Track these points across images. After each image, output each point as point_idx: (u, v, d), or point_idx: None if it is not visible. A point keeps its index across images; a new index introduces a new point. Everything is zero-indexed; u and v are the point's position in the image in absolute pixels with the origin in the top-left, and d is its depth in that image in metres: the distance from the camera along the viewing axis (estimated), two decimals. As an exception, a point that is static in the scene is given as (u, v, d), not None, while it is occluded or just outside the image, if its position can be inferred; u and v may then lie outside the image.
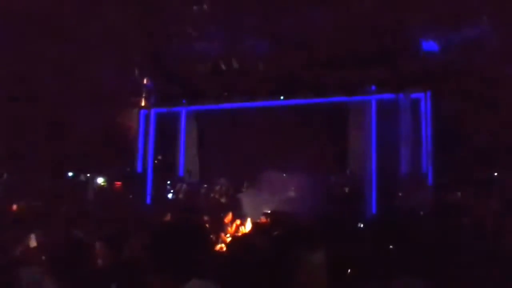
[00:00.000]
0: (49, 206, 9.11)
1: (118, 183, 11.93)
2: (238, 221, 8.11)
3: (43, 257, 4.07)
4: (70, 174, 12.41)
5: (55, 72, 10.68)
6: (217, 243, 6.72)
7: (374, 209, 10.19)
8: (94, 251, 4.05)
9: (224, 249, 5.77)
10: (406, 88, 10.47)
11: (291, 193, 8.87)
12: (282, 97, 11.52)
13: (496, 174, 9.48)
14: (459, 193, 8.59)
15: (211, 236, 6.36)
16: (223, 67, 11.50)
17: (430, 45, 10.08)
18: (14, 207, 8.60)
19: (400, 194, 8.96)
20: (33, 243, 4.57)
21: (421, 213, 7.24)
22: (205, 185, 11.76)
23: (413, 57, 9.90)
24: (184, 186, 11.71)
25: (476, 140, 8.91)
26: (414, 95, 10.56)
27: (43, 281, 3.48)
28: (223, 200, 10.99)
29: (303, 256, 3.67)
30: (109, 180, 12.22)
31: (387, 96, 10.71)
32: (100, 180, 12.50)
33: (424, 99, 10.49)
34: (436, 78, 9.84)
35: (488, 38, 8.46)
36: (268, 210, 7.55)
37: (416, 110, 10.45)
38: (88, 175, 12.47)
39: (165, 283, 2.63)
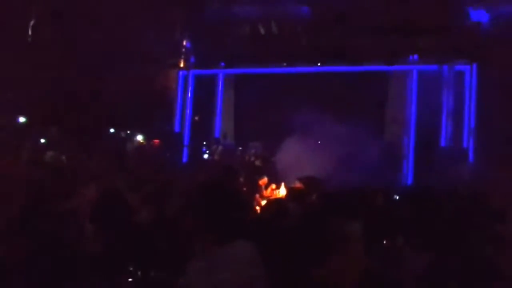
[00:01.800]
0: (92, 161, 9.52)
1: (156, 141, 12.26)
2: (273, 185, 8.24)
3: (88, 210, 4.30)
4: (111, 130, 12.81)
5: (96, 31, 10.90)
6: (252, 205, 6.88)
7: (410, 181, 10.13)
8: (134, 206, 4.21)
9: (259, 211, 5.90)
10: (451, 59, 10.13)
11: (327, 160, 8.88)
12: (319, 64, 11.39)
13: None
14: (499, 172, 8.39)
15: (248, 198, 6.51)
16: (262, 31, 11.43)
17: (479, 14, 9.67)
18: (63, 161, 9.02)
19: (437, 168, 8.84)
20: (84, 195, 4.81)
21: (458, 189, 7.15)
22: (240, 148, 11.93)
23: (460, 27, 9.54)
24: (220, 147, 11.91)
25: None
26: (458, 67, 10.22)
27: (88, 233, 3.70)
28: (257, 163, 11.15)
29: (338, 223, 3.76)
30: (147, 138, 12.57)
31: (429, 67, 10.41)
32: (139, 138, 12.87)
33: (469, 71, 10.13)
34: (484, 50, 9.46)
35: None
36: (303, 176, 7.58)
37: (460, 83, 10.14)
38: (128, 132, 12.85)
39: (207, 243, 2.77)
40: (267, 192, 8.14)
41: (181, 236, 3.37)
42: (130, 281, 3.31)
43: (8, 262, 3.06)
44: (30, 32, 11.59)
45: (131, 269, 3.48)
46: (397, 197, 5.92)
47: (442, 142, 9.95)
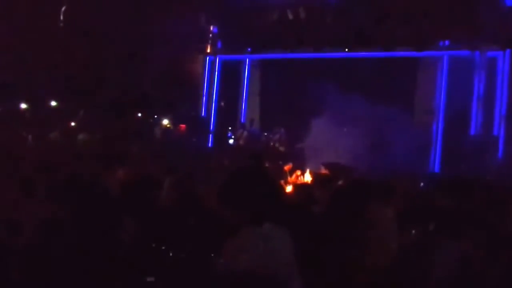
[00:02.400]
0: (120, 143, 9.74)
1: (183, 126, 12.41)
2: (298, 172, 8.27)
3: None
4: (139, 114, 13.03)
5: (124, 17, 11.04)
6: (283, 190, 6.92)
7: (437, 168, 9.99)
8: (163, 188, 4.29)
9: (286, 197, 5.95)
10: (483, 45, 9.86)
11: (353, 147, 8.84)
12: (347, 50, 11.25)
13: None
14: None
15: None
16: (290, 16, 11.34)
17: (514, -1, 9.38)
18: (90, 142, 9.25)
19: (466, 156, 8.69)
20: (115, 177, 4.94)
21: (487, 178, 7.03)
22: (265, 134, 11.97)
23: (494, 12, 9.26)
24: (245, 132, 11.98)
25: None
26: (491, 53, 9.94)
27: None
28: (282, 149, 11.19)
29: (364, 210, 3.78)
30: (174, 122, 12.73)
31: (461, 52, 10.17)
32: (166, 122, 13.05)
33: (502, 58, 9.85)
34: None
35: None
36: (329, 162, 7.59)
37: (492, 70, 9.88)
38: (155, 116, 13.05)
39: (238, 225, 2.84)
40: (291, 178, 8.18)
41: (213, 219, 3.45)
42: (163, 262, 3.42)
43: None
44: (61, 17, 11.83)
45: (163, 248, 3.60)
46: (423, 184, 5.89)
47: (472, 130, 9.76)
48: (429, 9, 9.73)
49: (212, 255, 3.13)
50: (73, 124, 11.95)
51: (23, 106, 12.38)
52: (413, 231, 3.18)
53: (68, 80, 11.11)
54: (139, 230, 3.53)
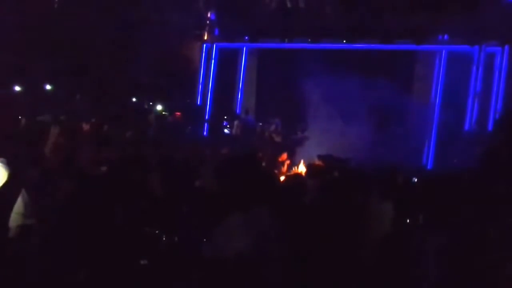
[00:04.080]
0: (114, 128, 9.69)
1: (178, 114, 12.33)
2: (290, 161, 8.25)
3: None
4: (133, 100, 12.91)
5: (121, 2, 10.92)
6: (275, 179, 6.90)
7: (430, 164, 10.01)
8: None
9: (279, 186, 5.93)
10: (482, 40, 9.84)
11: (347, 140, 8.84)
12: (344, 41, 11.18)
13: None
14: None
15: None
16: (289, 5, 11.24)
17: (515, -5, 9.34)
18: (86, 127, 9.19)
19: (460, 152, 8.70)
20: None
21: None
22: (261, 124, 11.94)
23: (495, 7, 9.22)
24: (241, 122, 11.94)
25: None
26: (489, 49, 9.92)
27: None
28: (277, 139, 11.17)
29: (355, 202, 3.77)
30: (169, 110, 12.64)
31: (459, 47, 10.14)
32: (161, 109, 12.95)
33: (500, 54, 9.83)
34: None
35: None
36: (323, 154, 7.57)
37: (489, 65, 9.86)
38: (151, 103, 12.95)
39: (228, 210, 2.84)
40: (285, 168, 8.17)
41: (206, 204, 3.46)
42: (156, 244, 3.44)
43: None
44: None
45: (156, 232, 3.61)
46: (416, 179, 5.88)
47: (467, 125, 9.77)
48: (429, 3, 9.68)
49: (204, 239, 3.14)
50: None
51: (17, 88, 12.25)
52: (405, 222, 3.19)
53: (61, 64, 10.98)
54: (131, 214, 3.52)
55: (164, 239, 3.49)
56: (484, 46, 9.76)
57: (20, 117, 9.47)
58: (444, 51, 10.45)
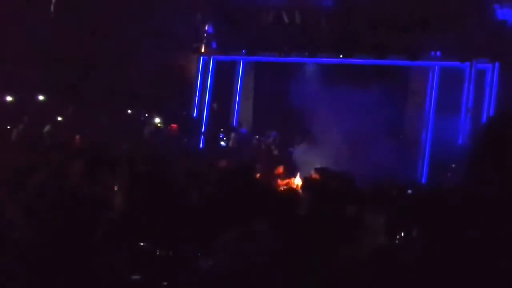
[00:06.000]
0: (108, 141, 9.71)
1: (174, 126, 12.38)
2: (289, 175, 8.31)
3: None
4: (129, 111, 12.96)
5: (119, 15, 11.02)
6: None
7: (424, 178, 10.11)
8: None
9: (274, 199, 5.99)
10: (473, 57, 10.04)
11: (343, 153, 8.93)
12: (341, 56, 11.35)
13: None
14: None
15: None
16: (286, 19, 11.41)
17: (505, 13, 9.55)
18: (77, 139, 9.21)
19: (453, 166, 8.82)
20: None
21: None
22: (257, 136, 12.00)
23: (485, 25, 9.44)
24: (237, 135, 12.00)
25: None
26: (480, 66, 10.12)
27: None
28: (274, 152, 11.24)
29: (351, 215, 3.85)
30: (165, 122, 12.69)
31: (451, 63, 10.34)
32: (157, 121, 13.00)
33: (491, 70, 10.03)
34: (508, 50, 9.36)
35: None
36: (320, 167, 7.64)
37: (480, 82, 10.05)
38: (146, 115, 13.00)
39: (226, 224, 2.91)
40: (282, 181, 8.22)
41: (203, 217, 3.51)
42: (153, 258, 3.47)
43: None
44: (52, 10, 11.76)
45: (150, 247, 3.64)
46: (411, 192, 5.98)
47: (460, 140, 9.91)
48: (422, 19, 9.88)
49: (199, 254, 3.19)
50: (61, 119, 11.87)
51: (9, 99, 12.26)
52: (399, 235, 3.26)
53: (57, 75, 11.04)
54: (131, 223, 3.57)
55: (158, 253, 3.51)
56: (475, 62, 9.96)
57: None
58: (436, 67, 10.63)
